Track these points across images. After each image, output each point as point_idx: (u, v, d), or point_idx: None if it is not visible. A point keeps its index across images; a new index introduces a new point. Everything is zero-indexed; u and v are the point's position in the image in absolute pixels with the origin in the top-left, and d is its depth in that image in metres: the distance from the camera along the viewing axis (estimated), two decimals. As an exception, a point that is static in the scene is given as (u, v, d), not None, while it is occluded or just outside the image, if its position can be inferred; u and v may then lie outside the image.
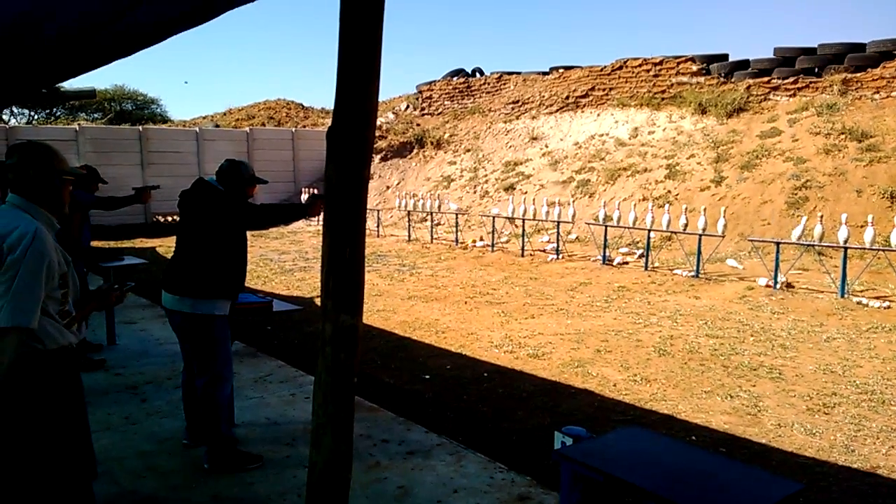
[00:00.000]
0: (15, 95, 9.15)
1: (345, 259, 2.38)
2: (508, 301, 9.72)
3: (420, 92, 25.51)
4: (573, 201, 16.29)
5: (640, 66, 18.60)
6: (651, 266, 11.70)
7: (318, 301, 8.60)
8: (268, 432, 4.86)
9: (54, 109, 35.63)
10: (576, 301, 9.65)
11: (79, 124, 23.88)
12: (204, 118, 29.03)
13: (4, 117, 33.78)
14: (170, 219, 20.77)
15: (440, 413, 5.45)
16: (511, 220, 15.54)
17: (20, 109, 34.88)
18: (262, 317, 5.37)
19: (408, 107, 26.36)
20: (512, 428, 5.11)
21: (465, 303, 9.65)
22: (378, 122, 24.88)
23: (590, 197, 16.14)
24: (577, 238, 14.73)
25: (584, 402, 5.62)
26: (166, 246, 16.94)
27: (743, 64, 17.13)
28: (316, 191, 21.65)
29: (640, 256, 12.38)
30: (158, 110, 40.84)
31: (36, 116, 34.87)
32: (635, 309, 9.02)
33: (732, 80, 17.04)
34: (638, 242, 13.11)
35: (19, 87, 8.08)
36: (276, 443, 4.64)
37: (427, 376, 6.35)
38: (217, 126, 25.69)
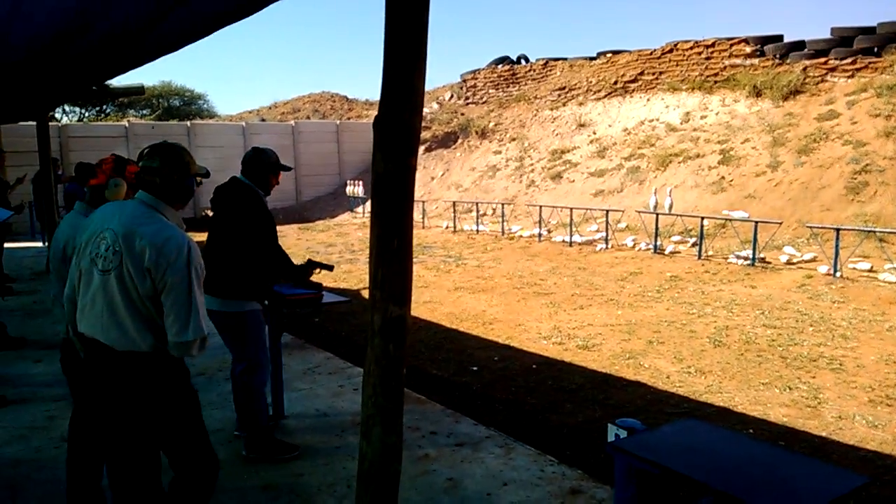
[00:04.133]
0: (66, 93, 9.37)
1: (392, 250, 2.34)
2: (556, 292, 9.60)
3: (464, 81, 25.37)
4: (623, 189, 16.05)
5: (691, 48, 18.14)
6: (704, 255, 11.43)
7: (364, 293, 8.69)
8: (317, 423, 4.87)
9: (104, 107, 36.61)
10: (626, 291, 9.48)
11: (128, 121, 24.45)
12: (250, 112, 29.43)
13: (57, 116, 34.87)
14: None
15: (488, 405, 5.40)
16: (557, 209, 15.37)
17: (72, 108, 35.93)
18: (312, 309, 5.38)
19: (452, 96, 26.27)
20: (561, 421, 5.03)
21: (513, 294, 9.58)
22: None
23: (640, 184, 15.83)
24: (626, 227, 14.46)
25: (635, 395, 5.50)
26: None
27: (798, 45, 16.55)
28: (360, 184, 21.77)
29: (693, 245, 12.09)
30: (205, 106, 41.59)
31: (87, 114, 35.85)
32: (688, 299, 8.82)
33: (788, 61, 16.49)
34: (691, 230, 12.80)
35: (70, 85, 8.28)
36: (326, 433, 4.65)
37: (475, 368, 6.30)
38: (263, 120, 26.01)
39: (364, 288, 10.30)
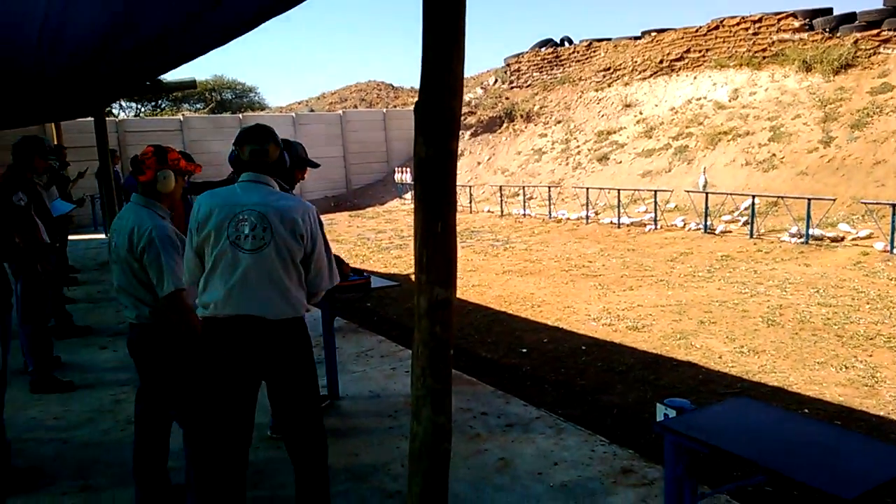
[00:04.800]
0: (122, 89, 9.63)
1: (437, 233, 2.38)
2: (605, 273, 9.55)
3: (508, 65, 25.21)
4: (671, 169, 15.80)
5: (737, 24, 17.66)
6: (756, 233, 11.20)
7: (414, 277, 8.69)
8: (371, 405, 4.97)
9: (159, 102, 37.55)
10: (676, 272, 9.37)
11: (182, 115, 25.00)
12: (299, 103, 29.81)
13: (114, 111, 35.90)
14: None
15: (538, 386, 5.43)
16: (604, 190, 15.21)
17: (128, 104, 36.96)
18: (362, 293, 5.46)
19: (496, 81, 26.13)
20: (612, 402, 5.03)
21: (561, 276, 9.56)
22: (466, 98, 24.80)
23: (688, 164, 15.56)
24: (675, 207, 14.24)
25: (687, 375, 5.46)
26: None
27: (849, 17, 15.94)
28: (407, 171, 21.85)
29: (745, 224, 11.84)
30: (256, 98, 42.24)
31: (143, 109, 36.82)
32: (740, 278, 8.67)
33: (838, 34, 15.91)
34: (742, 209, 12.55)
35: (124, 81, 8.52)
36: (380, 415, 4.75)
37: (524, 350, 6.33)
38: (312, 110, 26.32)
39: (413, 272, 10.40)
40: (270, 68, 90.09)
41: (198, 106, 38.33)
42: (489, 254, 11.79)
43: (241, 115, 23.34)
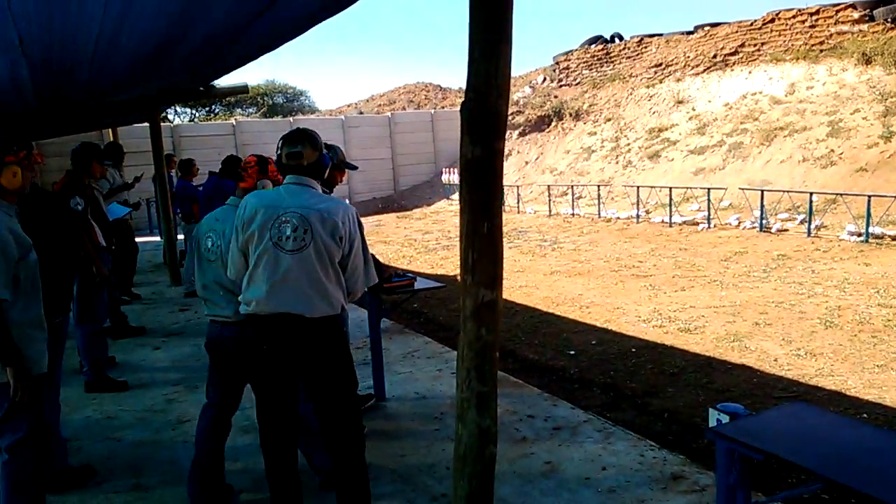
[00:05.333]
0: (176, 95, 9.86)
1: (482, 234, 2.37)
2: (656, 273, 9.38)
3: (557, 63, 25.01)
4: (724, 166, 15.44)
5: (793, 17, 17.16)
6: (814, 232, 10.85)
7: (460, 278, 8.62)
8: (417, 406, 4.97)
9: (213, 107, 38.44)
10: (730, 272, 9.14)
11: (235, 119, 25.49)
12: (348, 106, 30.11)
13: (169, 117, 36.84)
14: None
15: (586, 389, 5.36)
16: (655, 189, 14.96)
17: (182, 108, 37.89)
18: (408, 295, 5.46)
19: (545, 79, 25.94)
20: (662, 406, 4.93)
21: (610, 276, 9.42)
22: (514, 98, 24.69)
23: (743, 160, 15.17)
24: (730, 205, 13.89)
25: (741, 378, 5.32)
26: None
27: (913, 6, 15.34)
28: (454, 171, 21.89)
29: (802, 222, 11.49)
30: (307, 102, 42.89)
31: (197, 114, 37.70)
32: (797, 278, 8.41)
33: (901, 24, 15.33)
34: (799, 207, 12.17)
35: (178, 87, 8.72)
36: (426, 417, 4.74)
37: (572, 352, 6.25)
38: (361, 113, 26.56)
39: (459, 274, 10.39)
40: (321, 72, 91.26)
41: (250, 110, 39.09)
42: (536, 254, 11.70)
43: (291, 119, 23.67)
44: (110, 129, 15.46)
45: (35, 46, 3.60)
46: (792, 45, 17.12)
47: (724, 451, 2.21)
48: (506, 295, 8.55)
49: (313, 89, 74.78)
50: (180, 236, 10.61)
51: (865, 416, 4.51)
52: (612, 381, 5.48)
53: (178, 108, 37.56)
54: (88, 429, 4.85)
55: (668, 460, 3.86)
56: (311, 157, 3.06)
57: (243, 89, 10.81)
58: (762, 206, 11.71)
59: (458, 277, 8.59)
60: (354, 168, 4.89)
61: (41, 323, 3.08)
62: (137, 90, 7.14)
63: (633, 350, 6.18)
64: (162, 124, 21.76)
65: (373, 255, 4.61)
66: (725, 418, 2.30)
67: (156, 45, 4.30)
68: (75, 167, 5.91)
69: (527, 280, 9.56)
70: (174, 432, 4.65)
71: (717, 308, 7.36)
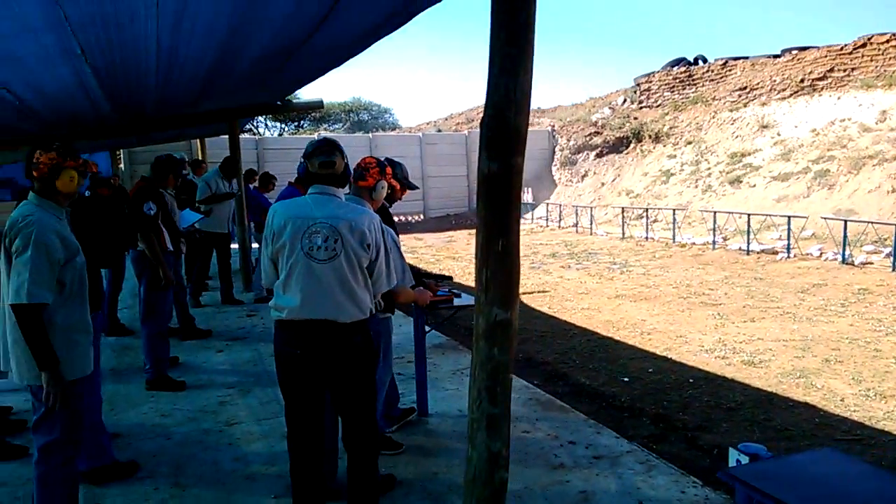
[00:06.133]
0: (252, 109, 10.19)
1: (497, 252, 2.31)
2: (726, 302, 9.01)
3: (638, 85, 24.60)
4: (809, 194, 14.77)
5: (887, 41, 16.34)
6: (902, 266, 10.22)
7: (523, 298, 8.60)
8: (458, 424, 4.89)
9: (301, 122, 39.75)
10: (805, 304, 8.69)
11: (317, 134, 26.16)
12: (427, 124, 30.44)
13: (260, 129, 38.20)
14: (396, 218, 22.03)
15: (635, 418, 5.17)
16: (734, 215, 14.43)
17: (273, 123, 39.28)
18: (454, 310, 5.39)
19: (625, 101, 25.55)
20: (713, 441, 4.69)
21: (677, 303, 9.11)
22: (593, 118, 24.43)
23: (828, 189, 14.48)
24: (812, 235, 13.27)
25: (802, 417, 5.01)
26: (405, 244, 17.98)
27: None
28: (528, 190, 21.79)
29: (888, 255, 10.84)
30: (391, 119, 43.76)
31: (286, 129, 38.97)
32: (877, 314, 7.92)
33: None
34: (885, 240, 11.49)
35: (254, 101, 9.01)
36: (465, 436, 4.62)
37: (626, 379, 6.06)
38: (439, 131, 26.79)
39: (524, 293, 10.28)
40: (405, 90, 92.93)
41: (336, 126, 40.20)
42: (604, 277, 11.45)
43: (370, 135, 24.08)
44: (198, 140, 16.15)
45: (97, 56, 3.77)
46: (884, 70, 16.30)
47: (742, 496, 2.07)
48: (566, 317, 8.47)
49: (398, 107, 76.36)
50: (255, 245, 10.91)
51: (936, 466, 4.17)
52: (664, 411, 5.27)
53: (269, 122, 39.01)
54: (142, 425, 5.00)
55: (709, 499, 3.66)
56: (341, 166, 3.14)
57: (318, 105, 11.08)
58: (845, 236, 11.10)
59: (520, 297, 8.46)
60: (415, 187, 4.91)
61: (87, 326, 3.16)
62: (207, 103, 7.40)
63: (691, 381, 5.93)
64: (248, 136, 22.64)
65: (411, 266, 4.61)
66: (745, 459, 2.15)
67: (212, 59, 4.44)
68: (154, 175, 6.17)
69: (590, 303, 9.36)
70: (220, 434, 4.74)
71: (786, 342, 6.99)
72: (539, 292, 10.28)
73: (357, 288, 3.04)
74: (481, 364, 2.40)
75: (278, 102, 10.30)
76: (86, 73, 4.18)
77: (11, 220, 3.01)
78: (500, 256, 2.31)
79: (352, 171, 3.47)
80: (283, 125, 39.53)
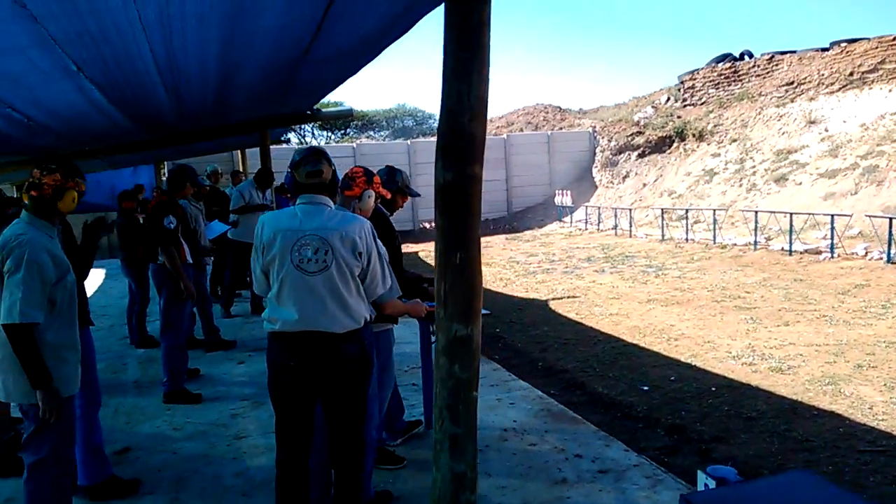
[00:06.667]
0: (282, 119, 10.27)
1: (455, 264, 2.23)
2: (761, 306, 8.71)
3: (682, 82, 24.06)
4: (857, 191, 14.21)
5: (944, 28, 15.61)
6: (952, 266, 9.74)
7: (552, 304, 8.46)
8: (466, 436, 4.82)
9: (347, 130, 40.15)
10: (845, 306, 8.34)
11: (356, 143, 26.33)
12: (467, 127, 30.30)
13: (307, 139, 38.67)
14: (433, 225, 22.03)
15: (650, 429, 5.00)
16: (778, 214, 13.98)
17: (320, 132, 39.73)
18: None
19: (668, 99, 25.05)
20: (729, 453, 4.50)
21: (710, 307, 8.84)
22: (635, 118, 24.02)
23: (877, 185, 13.89)
24: (859, 233, 12.74)
25: (825, 427, 4.78)
26: (427, 251, 17.98)
27: None
28: (567, 193, 21.53)
29: (939, 254, 10.36)
30: (435, 124, 43.78)
31: (332, 136, 39.40)
32: (921, 317, 7.55)
33: None
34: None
35: (282, 111, 9.06)
36: (471, 448, 4.57)
37: (645, 388, 5.88)
38: (477, 134, 26.68)
39: (553, 298, 10.13)
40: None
41: (382, 133, 40.49)
42: (638, 280, 11.20)
43: (408, 142, 24.10)
44: (238, 151, 16.41)
45: (96, 71, 3.81)
46: (940, 60, 15.59)
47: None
48: (592, 323, 8.30)
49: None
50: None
51: (966, 481, 3.92)
52: (681, 422, 5.09)
53: (317, 132, 39.45)
54: (153, 439, 5.03)
55: (714, 516, 3.51)
56: (329, 174, 3.11)
57: (348, 113, 11.16)
58: (890, 234, 10.62)
59: (550, 302, 8.44)
60: (416, 195, 4.85)
61: (75, 344, 3.20)
62: (236, 114, 7.47)
63: (713, 389, 5.73)
64: (285, 146, 22.95)
65: (413, 274, 4.54)
66: (713, 483, 2.02)
67: (215, 72, 4.46)
68: (170, 187, 6.25)
69: (620, 308, 9.16)
70: (228, 448, 4.74)
71: (819, 346, 6.71)
72: (568, 297, 10.11)
73: (349, 298, 3.02)
74: (442, 382, 2.32)
75: (308, 112, 10.38)
76: (89, 89, 4.23)
77: (3, 239, 3.04)
78: (458, 270, 2.23)
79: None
80: (329, 133, 39.96)
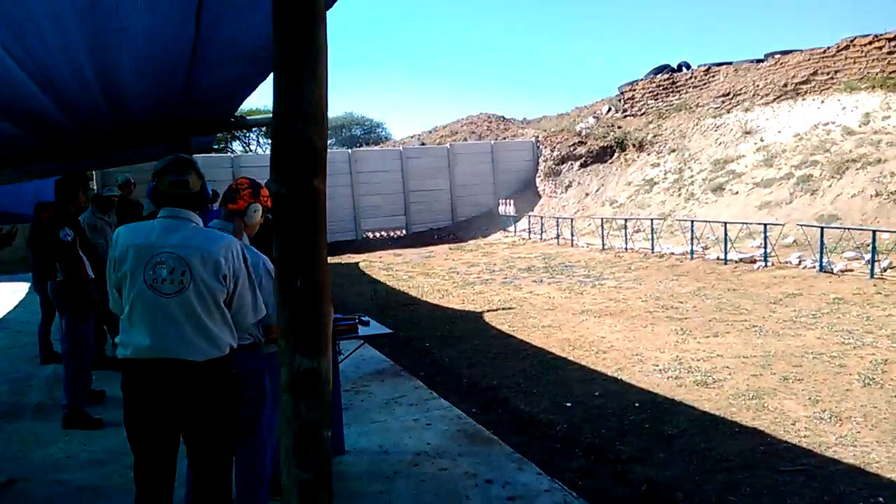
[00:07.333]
0: (203, 126, 9.88)
1: (296, 289, 1.95)
2: (692, 316, 8.64)
3: (622, 93, 24.30)
4: (792, 200, 14.42)
5: (870, 43, 16.02)
6: (879, 273, 9.84)
7: (486, 315, 8.24)
8: (374, 463, 4.53)
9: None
10: (775, 316, 8.33)
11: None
12: (412, 137, 30.17)
13: (252, 146, 37.93)
14: (376, 234, 21.74)
15: (567, 449, 4.79)
16: (714, 224, 14.07)
17: (265, 139, 39.06)
18: (360, 340, 5.00)
19: (609, 109, 25.27)
20: (644, 474, 4.31)
21: (642, 318, 8.74)
22: (577, 128, 24.14)
23: (811, 194, 14.11)
24: (794, 242, 12.88)
25: (746, 446, 4.63)
26: (368, 261, 17.66)
27: None
28: (511, 203, 21.48)
29: (868, 262, 10.47)
30: (383, 133, 43.62)
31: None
32: (848, 326, 7.54)
33: None
34: (866, 245, 11.13)
35: (199, 119, 8.69)
36: (376, 476, 4.29)
37: (568, 404, 5.69)
38: (423, 144, 26.51)
39: (488, 310, 9.93)
40: (397, 104, 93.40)
41: (330, 142, 39.94)
42: (574, 291, 11.08)
43: (349, 151, 23.75)
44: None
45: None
46: (868, 73, 15.98)
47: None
48: (524, 336, 8.10)
49: (391, 121, 76.81)
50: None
51: (882, 500, 3.79)
52: (599, 441, 4.90)
53: (262, 139, 38.74)
54: (42, 468, 4.67)
55: (619, 547, 3.30)
56: (197, 185, 2.86)
57: (268, 121, 10.82)
58: (822, 243, 10.72)
59: (484, 314, 8.22)
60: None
61: None
62: (140, 121, 7.09)
63: (636, 405, 5.56)
64: (223, 154, 22.34)
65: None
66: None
67: (93, 78, 4.13)
68: (59, 198, 5.84)
69: (553, 319, 8.99)
70: (121, 479, 4.36)
71: (745, 358, 6.62)
72: (504, 309, 9.92)
73: (211, 324, 2.75)
74: (287, 422, 2.03)
75: (232, 119, 10.00)
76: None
77: None
78: (299, 296, 1.95)
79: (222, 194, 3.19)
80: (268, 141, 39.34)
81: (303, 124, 1.87)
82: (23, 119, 5.38)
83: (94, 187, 18.57)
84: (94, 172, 18.11)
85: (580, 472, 4.39)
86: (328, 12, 1.98)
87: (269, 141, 26.27)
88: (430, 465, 4.40)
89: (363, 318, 4.56)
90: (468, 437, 4.81)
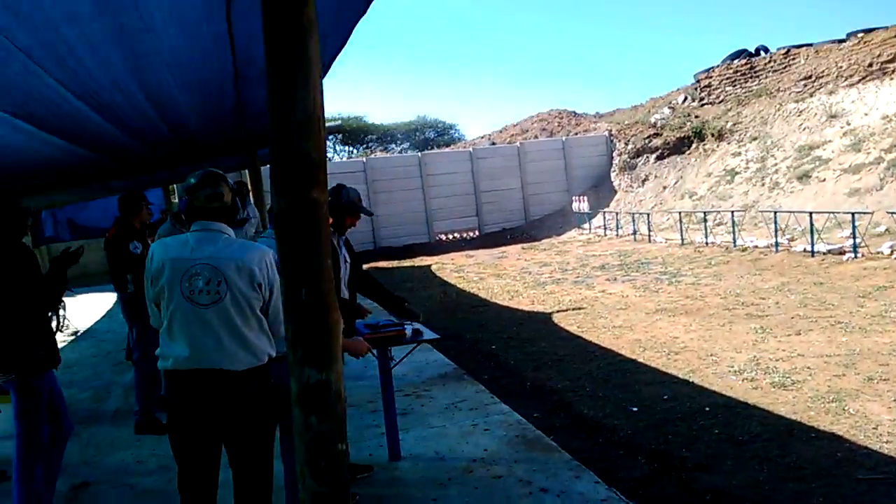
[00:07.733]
0: (263, 139, 10.11)
1: (300, 301, 1.91)
2: (774, 313, 8.21)
3: (698, 81, 23.48)
4: (882, 186, 13.56)
5: (968, 11, 14.88)
6: (983, 261, 9.11)
7: (555, 317, 8.07)
8: (429, 469, 4.46)
9: (369, 144, 40.31)
10: (863, 311, 7.81)
11: (364, 158, 26.18)
12: (482, 138, 30.06)
13: (328, 154, 38.74)
14: (448, 236, 21.76)
15: (630, 456, 4.60)
16: (798, 214, 13.38)
17: (342, 147, 39.92)
18: (414, 345, 4.92)
19: (685, 98, 24.46)
20: (711, 483, 4.08)
21: (719, 316, 8.36)
22: (652, 120, 23.48)
23: (904, 179, 13.24)
24: (885, 230, 12.09)
25: (822, 451, 4.32)
26: (440, 263, 17.68)
27: None
28: (584, 199, 21.07)
29: (969, 249, 9.72)
30: (456, 134, 43.83)
31: (355, 151, 39.53)
32: (945, 320, 7.00)
33: None
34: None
35: (260, 133, 8.89)
36: (431, 483, 4.22)
37: (634, 408, 5.47)
38: (493, 143, 26.38)
39: (558, 311, 9.74)
40: (469, 105, 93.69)
41: (405, 145, 40.59)
42: (649, 289, 10.74)
43: (419, 154, 23.86)
44: (247, 171, 16.36)
45: (19, 111, 3.62)
46: (964, 44, 14.85)
47: None
48: (593, 337, 7.89)
49: (462, 122, 77.14)
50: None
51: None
52: (665, 447, 4.67)
53: (338, 147, 39.61)
54: (114, 473, 4.86)
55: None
56: (229, 197, 2.91)
57: (336, 128, 10.97)
58: (916, 231, 10.01)
59: (553, 315, 8.07)
60: (370, 213, 4.56)
61: None
62: (201, 136, 7.29)
63: (707, 409, 5.29)
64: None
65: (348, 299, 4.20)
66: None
67: (141, 98, 4.24)
68: (123, 213, 6.04)
69: (624, 319, 8.72)
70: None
71: (828, 357, 6.22)
72: (574, 309, 9.71)
73: (248, 332, 2.78)
74: (299, 435, 1.99)
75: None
76: (21, 127, 4.06)
77: None
78: (305, 307, 1.91)
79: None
80: (352, 148, 40.09)
81: (298, 136, 1.83)
82: (96, 145, 5.61)
83: (175, 199, 19.36)
84: (174, 186, 18.90)
85: (642, 480, 4.20)
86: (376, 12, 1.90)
87: (345, 147, 26.63)
88: (485, 471, 4.30)
89: (413, 325, 4.48)
90: (526, 443, 4.68)
